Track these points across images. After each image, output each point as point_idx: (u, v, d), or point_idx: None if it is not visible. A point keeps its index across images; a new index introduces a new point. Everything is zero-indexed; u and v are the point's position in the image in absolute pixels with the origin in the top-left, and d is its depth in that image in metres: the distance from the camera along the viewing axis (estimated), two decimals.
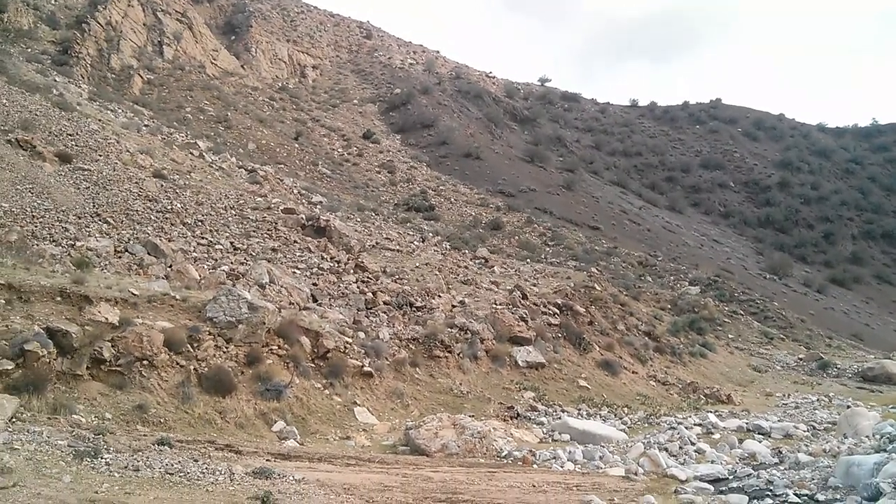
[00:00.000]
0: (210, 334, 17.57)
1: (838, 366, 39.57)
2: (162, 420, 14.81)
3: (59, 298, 16.48)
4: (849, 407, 25.70)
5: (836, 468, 12.03)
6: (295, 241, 32.89)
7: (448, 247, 42.81)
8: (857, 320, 59.01)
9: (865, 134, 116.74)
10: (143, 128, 46.04)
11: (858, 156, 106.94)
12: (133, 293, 18.05)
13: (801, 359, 41.69)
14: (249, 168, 46.48)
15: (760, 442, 18.88)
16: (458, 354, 24.39)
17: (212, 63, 72.43)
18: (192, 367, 16.44)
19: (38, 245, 23.96)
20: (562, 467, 15.63)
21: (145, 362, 15.66)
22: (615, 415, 23.66)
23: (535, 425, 20.83)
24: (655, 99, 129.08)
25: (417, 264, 35.00)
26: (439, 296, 29.16)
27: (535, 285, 34.92)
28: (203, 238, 29.98)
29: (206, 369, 16.62)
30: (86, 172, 31.77)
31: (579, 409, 23.81)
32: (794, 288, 63.68)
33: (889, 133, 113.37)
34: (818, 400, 30.01)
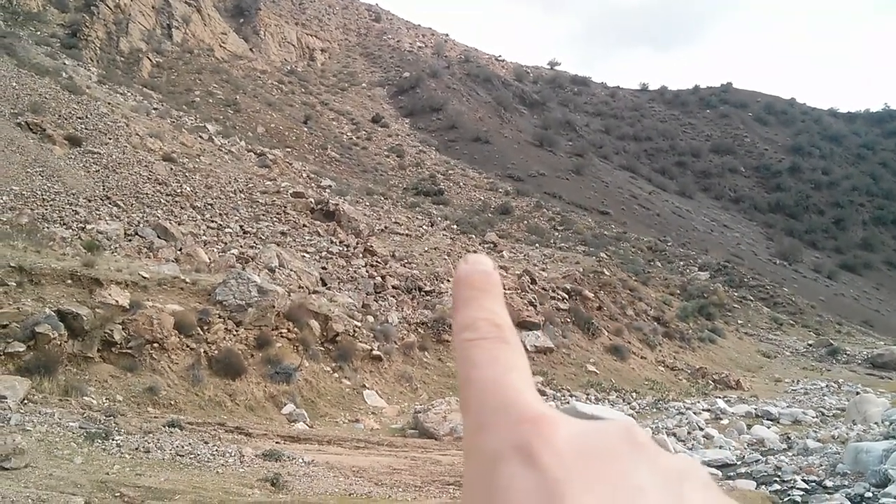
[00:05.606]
0: (220, 317, 17.65)
1: (848, 352, 39.45)
2: (172, 402, 14.91)
3: (69, 281, 16.57)
4: (858, 393, 25.67)
5: (845, 455, 12.03)
6: (304, 225, 32.92)
7: (457, 231, 42.78)
8: (867, 306, 58.76)
9: (877, 119, 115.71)
10: (153, 111, 46.02)
11: (870, 141, 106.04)
12: (143, 276, 18.12)
13: (810, 345, 41.58)
14: (258, 152, 46.47)
15: (769, 428, 18.90)
16: None
17: (220, 46, 72.23)
18: (202, 350, 16.54)
19: (48, 228, 24.04)
20: None
21: (156, 345, 15.76)
22: (623, 400, 23.72)
23: None
24: (665, 83, 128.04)
25: (426, 249, 34.99)
26: (448, 280, 29.19)
27: (543, 270, 34.91)
28: (213, 221, 30.04)
29: (216, 352, 16.72)
30: (95, 156, 31.83)
31: (588, 394, 23.85)
32: (804, 274, 63.43)
33: None
34: (827, 386, 29.99)
